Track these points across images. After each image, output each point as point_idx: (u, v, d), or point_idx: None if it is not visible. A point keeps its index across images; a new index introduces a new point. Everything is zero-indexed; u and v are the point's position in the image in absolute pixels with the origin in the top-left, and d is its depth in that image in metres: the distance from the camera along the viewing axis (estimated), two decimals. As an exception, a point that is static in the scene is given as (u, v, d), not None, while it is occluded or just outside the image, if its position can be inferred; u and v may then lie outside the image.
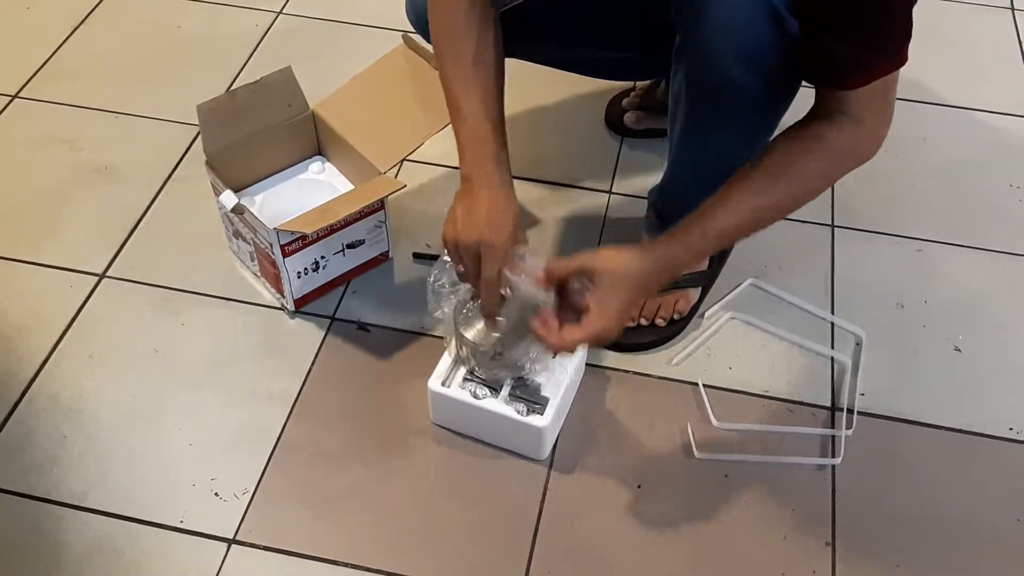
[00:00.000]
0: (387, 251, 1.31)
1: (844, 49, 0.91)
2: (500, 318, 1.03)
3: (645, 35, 1.15)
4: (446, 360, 1.12)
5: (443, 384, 1.10)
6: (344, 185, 1.31)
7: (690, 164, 1.13)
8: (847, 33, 0.90)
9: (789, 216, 1.38)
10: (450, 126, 1.20)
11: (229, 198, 1.17)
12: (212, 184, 1.23)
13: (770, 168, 0.97)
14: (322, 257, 1.23)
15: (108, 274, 1.30)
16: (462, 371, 1.11)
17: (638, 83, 1.56)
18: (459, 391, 1.09)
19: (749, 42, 0.94)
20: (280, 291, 1.24)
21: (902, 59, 0.92)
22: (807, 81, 0.98)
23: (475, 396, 1.09)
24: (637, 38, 1.19)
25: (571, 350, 0.98)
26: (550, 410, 1.08)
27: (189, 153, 1.47)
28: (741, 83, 0.97)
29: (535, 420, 1.07)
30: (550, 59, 1.32)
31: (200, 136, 1.20)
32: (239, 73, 1.61)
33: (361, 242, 1.26)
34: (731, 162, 0.99)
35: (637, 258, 0.96)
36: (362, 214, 1.22)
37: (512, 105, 1.54)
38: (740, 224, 0.98)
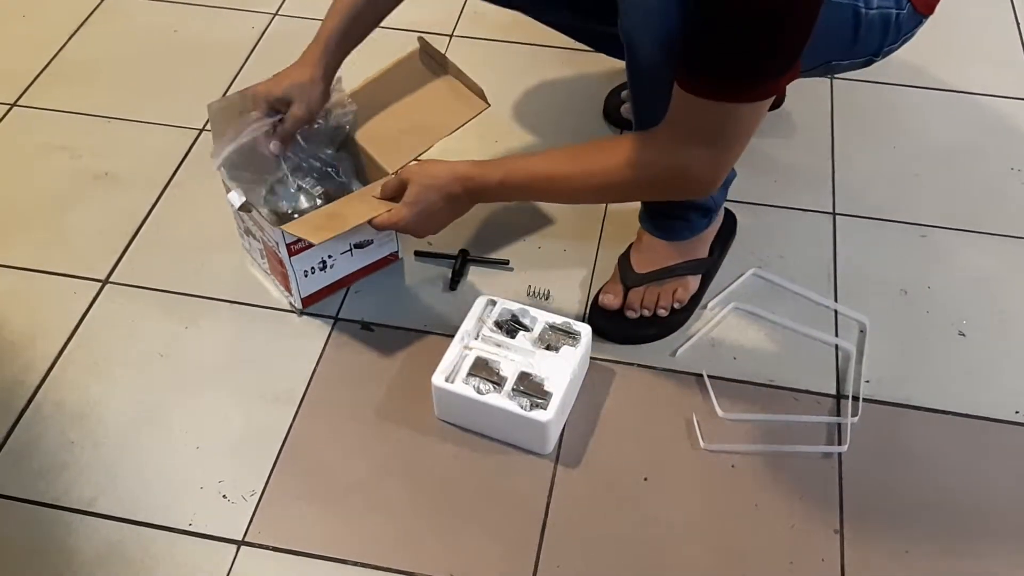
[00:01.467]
0: (396, 251, 1.31)
1: (697, 41, 0.90)
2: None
3: None
4: (450, 355, 1.12)
5: (447, 380, 1.11)
6: (353, 185, 1.31)
7: None
8: (706, 27, 0.88)
9: (789, 205, 1.40)
10: (461, 129, 1.22)
11: (236, 197, 1.17)
12: (223, 182, 1.23)
13: (581, 146, 1.08)
14: (329, 256, 1.23)
15: (111, 280, 1.31)
16: (466, 366, 1.12)
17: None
18: (463, 386, 1.10)
19: (664, 29, 0.93)
20: (288, 289, 1.24)
21: (731, 94, 0.90)
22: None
23: (479, 391, 1.09)
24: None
25: (378, 227, 1.16)
26: (553, 404, 1.08)
27: (188, 157, 1.47)
28: (664, 66, 0.95)
29: (538, 415, 1.07)
30: (557, 23, 1.32)
31: (211, 135, 1.21)
32: (236, 76, 1.61)
33: (369, 242, 1.26)
34: None
35: (445, 171, 1.12)
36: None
37: (510, 98, 1.56)
38: (535, 182, 1.11)
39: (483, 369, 1.11)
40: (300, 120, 1.17)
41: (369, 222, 1.15)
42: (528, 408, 1.08)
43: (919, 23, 1.15)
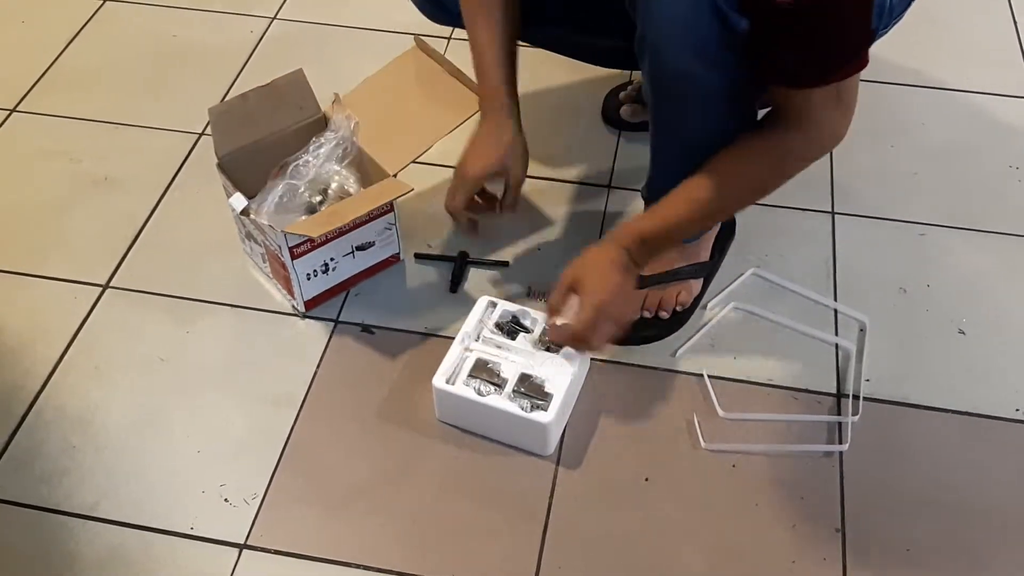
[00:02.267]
0: (398, 253, 1.31)
1: (796, 58, 0.92)
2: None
3: (628, 24, 1.16)
4: (450, 357, 1.12)
5: (447, 381, 1.11)
6: (354, 188, 1.32)
7: (669, 156, 1.13)
8: (800, 43, 0.90)
9: (788, 205, 1.40)
10: (460, 128, 1.23)
11: (239, 200, 1.17)
12: (224, 187, 1.23)
13: (717, 169, 1.03)
14: (331, 259, 1.23)
15: (111, 284, 1.31)
16: (467, 368, 1.12)
17: (635, 76, 1.56)
18: (463, 388, 1.10)
19: (694, 35, 0.94)
20: (291, 293, 1.24)
21: (858, 64, 0.93)
22: (760, 83, 0.98)
23: (479, 393, 1.09)
24: (620, 26, 1.20)
25: (564, 341, 1.10)
26: (554, 406, 1.08)
27: (188, 161, 1.48)
28: (694, 75, 0.97)
29: (539, 416, 1.07)
30: (545, 41, 1.32)
31: (212, 139, 1.21)
32: (235, 80, 1.61)
33: (371, 244, 1.26)
34: (708, 151, 1.03)
35: (602, 246, 1.07)
36: (371, 216, 1.22)
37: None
38: (688, 219, 1.06)
39: (484, 371, 1.11)
40: (522, 180, 1.20)
41: (557, 341, 1.10)
42: (529, 409, 1.08)
43: (907, 5, 1.16)
